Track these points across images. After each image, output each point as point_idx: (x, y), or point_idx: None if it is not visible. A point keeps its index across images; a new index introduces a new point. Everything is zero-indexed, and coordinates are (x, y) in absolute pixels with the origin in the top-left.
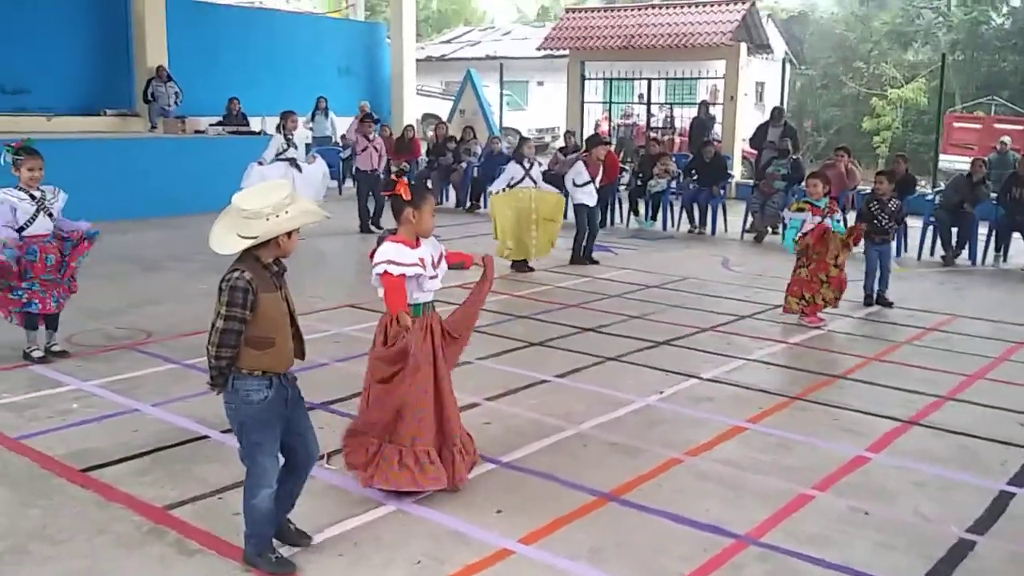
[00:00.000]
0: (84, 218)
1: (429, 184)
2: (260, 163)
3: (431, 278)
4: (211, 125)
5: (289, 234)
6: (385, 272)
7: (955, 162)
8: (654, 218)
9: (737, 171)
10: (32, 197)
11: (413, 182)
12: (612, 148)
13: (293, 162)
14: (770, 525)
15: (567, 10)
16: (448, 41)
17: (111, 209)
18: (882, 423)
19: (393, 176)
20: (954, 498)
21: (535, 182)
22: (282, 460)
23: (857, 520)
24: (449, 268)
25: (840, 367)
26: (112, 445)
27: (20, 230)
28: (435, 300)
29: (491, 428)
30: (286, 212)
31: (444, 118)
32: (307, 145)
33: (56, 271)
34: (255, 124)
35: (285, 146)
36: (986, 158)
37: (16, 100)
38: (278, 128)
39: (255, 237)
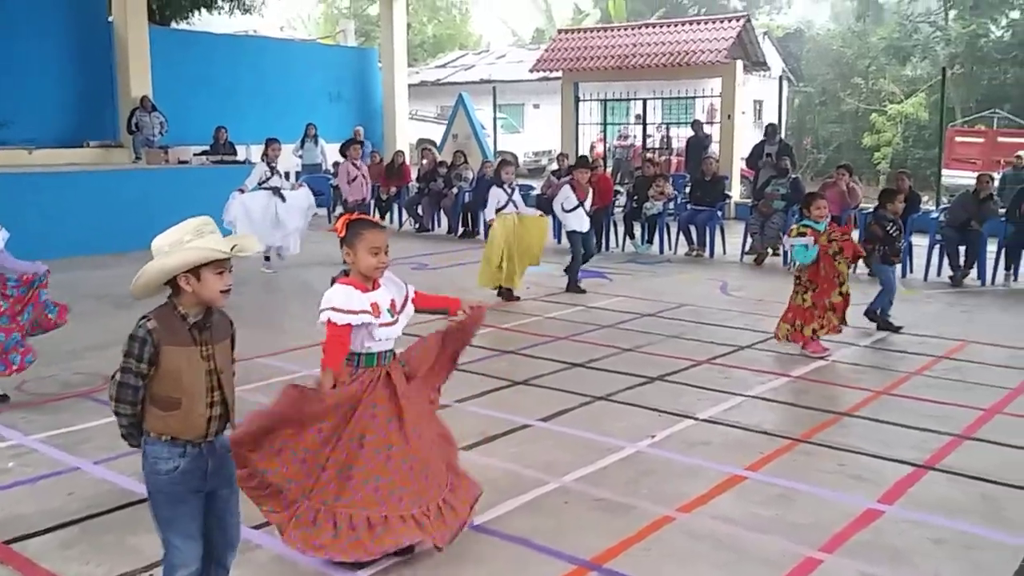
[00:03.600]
0: (61, 254)
1: (419, 210)
2: (242, 191)
3: (386, 324)
4: (196, 155)
5: (199, 277)
6: (328, 321)
7: (958, 177)
8: (650, 241)
9: (736, 191)
10: None
11: (360, 214)
12: (604, 170)
13: (276, 191)
14: None
15: (560, 31)
16: (443, 66)
17: (90, 243)
18: (894, 468)
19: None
20: (978, 558)
21: (516, 206)
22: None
23: None
24: (428, 312)
25: (846, 403)
26: (42, 512)
27: None
28: (395, 348)
29: None
30: (185, 248)
31: (438, 143)
32: (296, 173)
33: None
34: (242, 153)
35: (268, 174)
36: (998, 173)
37: None
38: (262, 156)
39: (174, 267)
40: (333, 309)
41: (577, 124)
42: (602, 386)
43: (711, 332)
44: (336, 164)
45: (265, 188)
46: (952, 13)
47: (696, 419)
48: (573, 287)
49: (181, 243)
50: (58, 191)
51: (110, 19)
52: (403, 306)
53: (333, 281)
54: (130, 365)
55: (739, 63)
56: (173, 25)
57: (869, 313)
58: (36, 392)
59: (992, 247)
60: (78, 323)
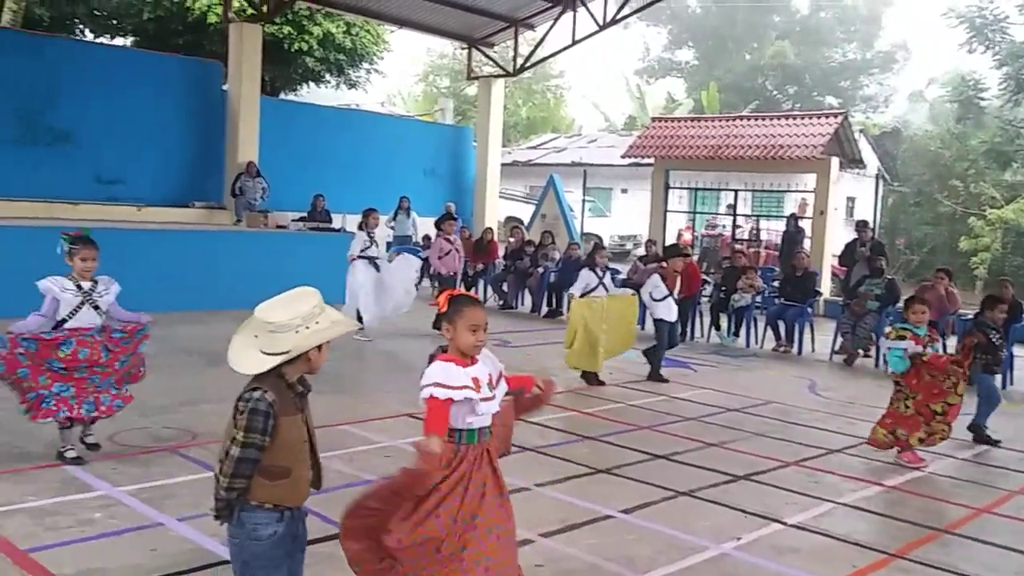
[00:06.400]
0: (161, 308)
1: (504, 288)
2: (351, 259)
3: (486, 400)
4: (293, 220)
5: (320, 347)
6: (431, 396)
7: None
8: (736, 334)
9: (826, 288)
10: (79, 288)
11: (462, 291)
12: (693, 259)
13: (372, 260)
14: None
15: (654, 119)
16: (535, 147)
17: (188, 299)
18: None
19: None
20: None
21: (607, 290)
22: None
23: None
24: (507, 393)
25: (945, 518)
26: (123, 566)
27: (62, 322)
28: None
29: (543, 573)
30: (316, 323)
31: (526, 222)
32: (387, 243)
33: (94, 369)
34: (337, 221)
35: (368, 243)
36: None
37: (110, 190)
38: (360, 226)
39: (286, 352)
40: (436, 384)
41: (666, 211)
42: (686, 481)
43: (799, 433)
44: (427, 237)
45: (363, 257)
46: None
47: (784, 523)
48: (656, 376)
49: (313, 317)
50: (162, 248)
51: (225, 87)
52: (498, 381)
53: (431, 358)
54: (253, 440)
55: (835, 159)
56: (282, 96)
57: (974, 427)
58: (127, 443)
59: None
60: (171, 377)
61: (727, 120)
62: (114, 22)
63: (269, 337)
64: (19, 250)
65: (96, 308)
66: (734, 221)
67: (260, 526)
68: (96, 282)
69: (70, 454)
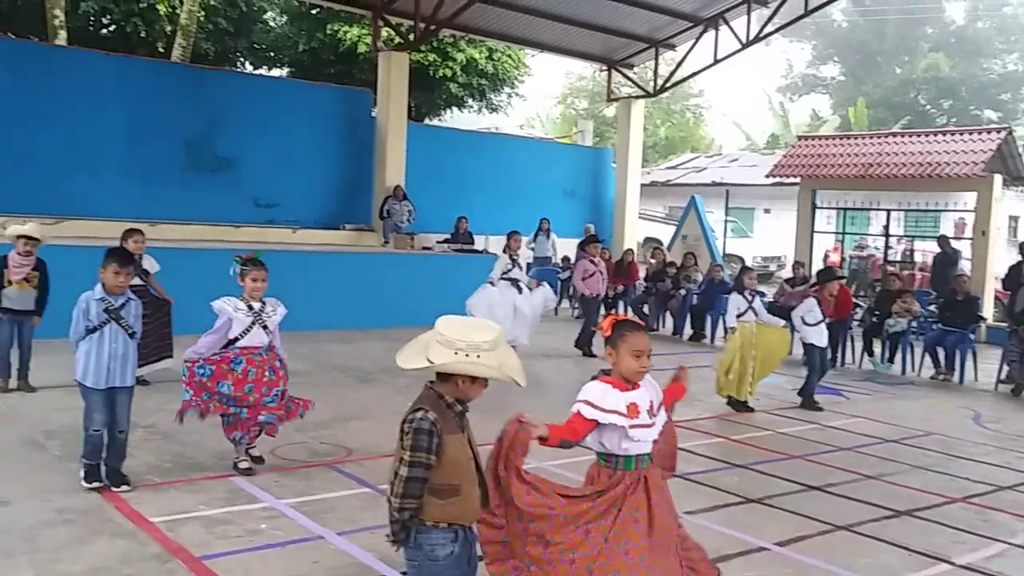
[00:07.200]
0: (313, 327)
1: (645, 310)
2: (491, 283)
3: (643, 426)
4: (438, 242)
5: (473, 380)
6: (577, 412)
7: None
8: (891, 360)
9: (989, 313)
10: (250, 308)
11: (626, 316)
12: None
13: (515, 283)
14: None
15: (799, 137)
16: (674, 167)
17: (339, 318)
18: None
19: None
20: None
21: (756, 314)
22: None
23: None
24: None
25: None
26: None
27: (233, 341)
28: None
29: None
30: (478, 356)
31: (665, 243)
32: (528, 264)
33: (259, 388)
34: (479, 243)
35: (510, 266)
36: None
37: (267, 213)
38: (504, 248)
39: (432, 364)
40: (586, 403)
41: (812, 231)
42: (842, 514)
43: (964, 467)
44: (566, 258)
45: (505, 279)
46: None
47: (952, 564)
48: (810, 403)
49: (477, 349)
50: (315, 269)
51: (373, 114)
52: (659, 408)
53: (594, 377)
54: (420, 459)
55: (998, 177)
56: (426, 121)
57: None
58: (287, 458)
59: None
60: (324, 394)
61: (878, 137)
62: (272, 54)
63: (436, 346)
64: (192, 270)
65: (264, 328)
66: (886, 242)
67: (437, 547)
68: (264, 303)
69: (243, 464)
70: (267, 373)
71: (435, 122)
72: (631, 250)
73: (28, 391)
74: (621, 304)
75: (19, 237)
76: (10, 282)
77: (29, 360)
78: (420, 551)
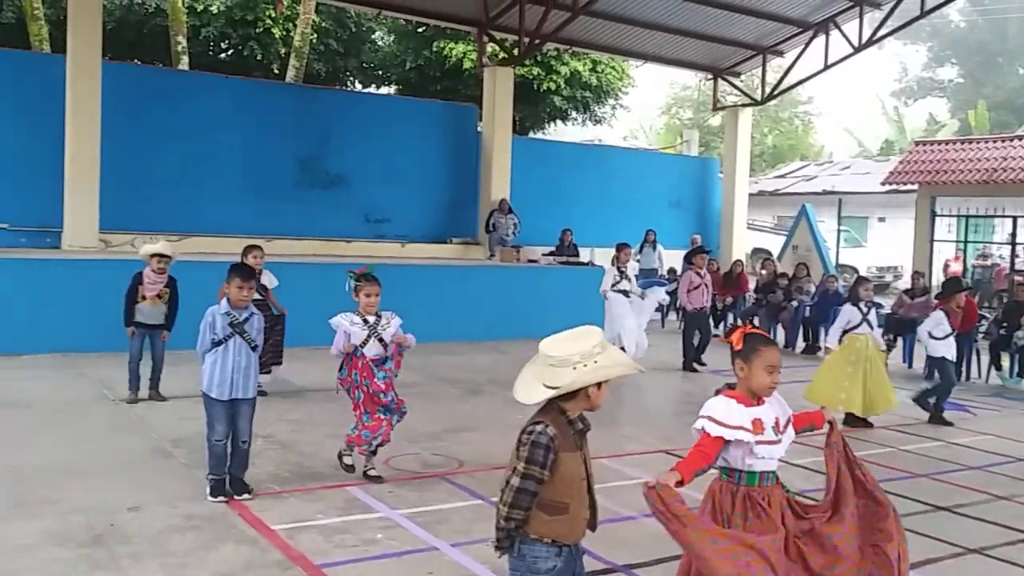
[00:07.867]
0: (421, 339)
1: (756, 322)
2: (604, 295)
3: (769, 443)
4: (544, 255)
5: (599, 385)
6: (703, 429)
7: None
8: (1021, 375)
9: None
10: (365, 322)
11: (757, 329)
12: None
13: (626, 294)
14: None
15: (917, 142)
16: (783, 176)
17: (446, 330)
18: None
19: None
20: None
21: (872, 327)
22: None
23: None
24: (797, 433)
25: None
26: None
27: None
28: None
29: None
30: (595, 361)
31: (775, 253)
32: (635, 276)
33: (373, 397)
34: (584, 255)
35: (618, 278)
36: None
37: (377, 228)
38: (612, 260)
39: (561, 387)
40: (710, 419)
41: (932, 240)
42: (974, 537)
43: None
44: (672, 270)
45: (616, 291)
46: None
47: None
48: (938, 418)
49: (592, 356)
50: (423, 282)
51: (479, 128)
52: (786, 426)
53: (717, 392)
54: (533, 472)
55: None
56: (531, 134)
57: None
58: (401, 468)
59: None
60: (435, 405)
61: (1002, 140)
62: (380, 73)
63: (550, 371)
64: (305, 284)
65: (380, 340)
66: (1012, 250)
67: (540, 559)
68: (380, 316)
69: (347, 459)
70: (382, 383)
71: (539, 135)
72: (740, 261)
73: (159, 400)
74: (730, 315)
75: (153, 255)
76: (144, 297)
77: (161, 371)
78: (523, 561)
